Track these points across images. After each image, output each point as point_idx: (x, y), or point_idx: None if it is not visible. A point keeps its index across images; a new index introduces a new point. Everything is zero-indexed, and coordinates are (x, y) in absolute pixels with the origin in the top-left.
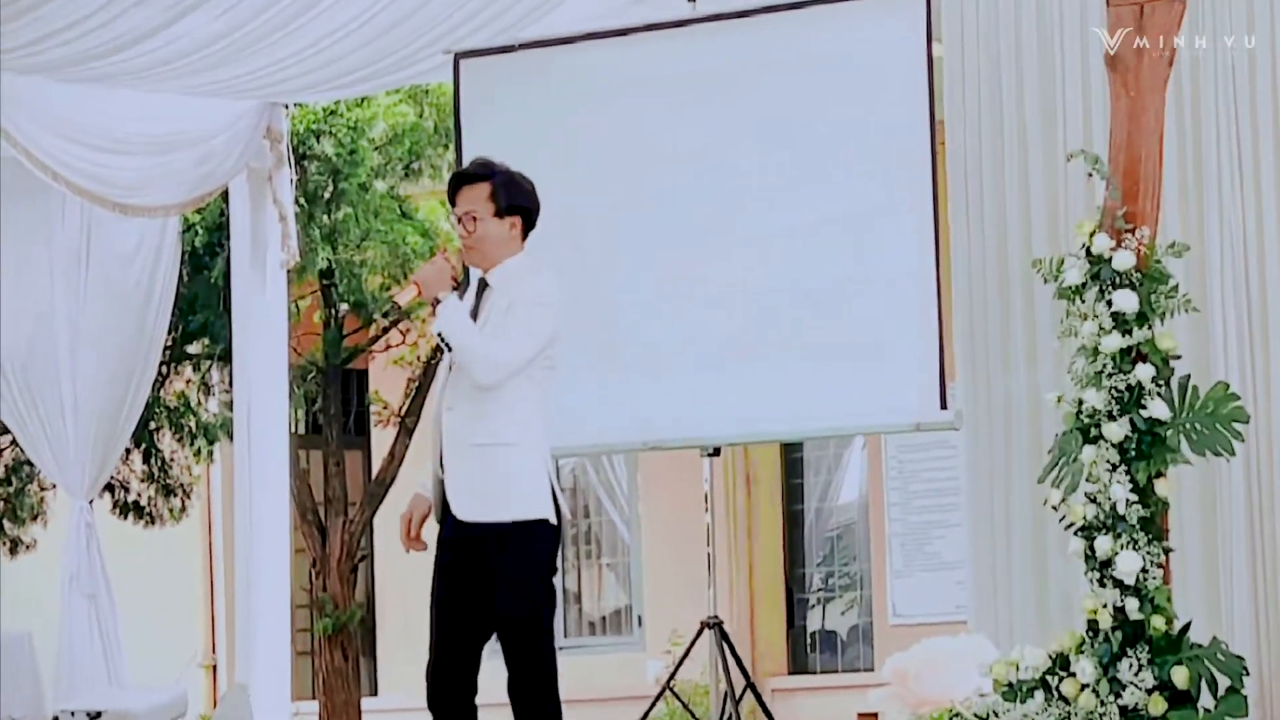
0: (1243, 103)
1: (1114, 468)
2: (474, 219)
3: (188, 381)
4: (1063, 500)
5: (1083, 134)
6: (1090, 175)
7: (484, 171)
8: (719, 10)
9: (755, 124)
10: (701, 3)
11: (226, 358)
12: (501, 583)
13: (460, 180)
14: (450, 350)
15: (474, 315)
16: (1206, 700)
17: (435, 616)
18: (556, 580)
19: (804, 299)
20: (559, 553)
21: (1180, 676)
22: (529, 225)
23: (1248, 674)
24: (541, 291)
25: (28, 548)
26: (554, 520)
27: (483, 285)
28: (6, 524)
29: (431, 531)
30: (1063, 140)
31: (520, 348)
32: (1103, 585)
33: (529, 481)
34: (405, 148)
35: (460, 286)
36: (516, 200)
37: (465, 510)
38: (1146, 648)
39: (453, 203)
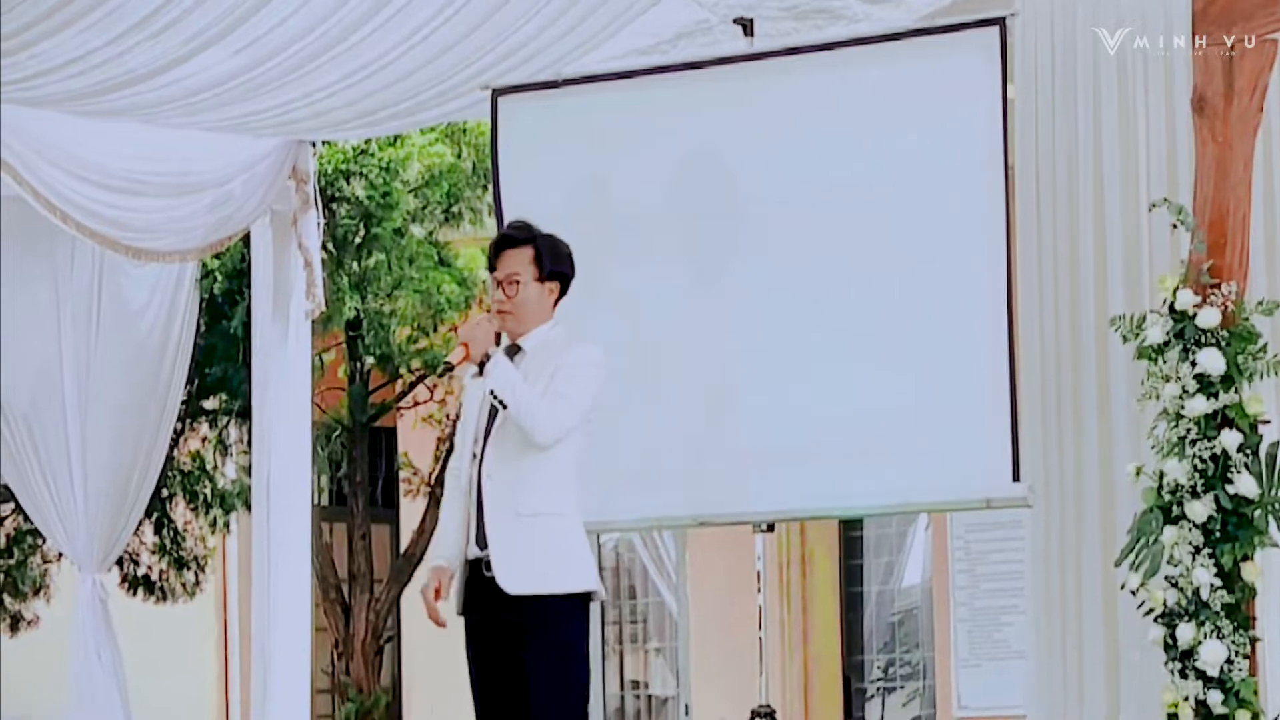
0: None
1: (1197, 550)
2: (516, 283)
3: (204, 440)
4: (1142, 585)
5: (1166, 182)
6: (1175, 227)
7: (526, 235)
8: (778, 46)
9: (814, 171)
10: (759, 39)
11: (245, 414)
12: (546, 658)
13: (505, 243)
14: (505, 408)
15: None
16: None
17: (481, 713)
18: (598, 666)
19: (864, 362)
20: None
21: None
22: (564, 292)
23: None
24: (589, 354)
25: (29, 624)
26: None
27: (514, 350)
28: (6, 599)
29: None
30: (1144, 189)
31: (577, 406)
32: (1184, 677)
33: (579, 552)
34: (443, 190)
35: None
36: (559, 266)
37: (515, 583)
38: None
39: (493, 267)
